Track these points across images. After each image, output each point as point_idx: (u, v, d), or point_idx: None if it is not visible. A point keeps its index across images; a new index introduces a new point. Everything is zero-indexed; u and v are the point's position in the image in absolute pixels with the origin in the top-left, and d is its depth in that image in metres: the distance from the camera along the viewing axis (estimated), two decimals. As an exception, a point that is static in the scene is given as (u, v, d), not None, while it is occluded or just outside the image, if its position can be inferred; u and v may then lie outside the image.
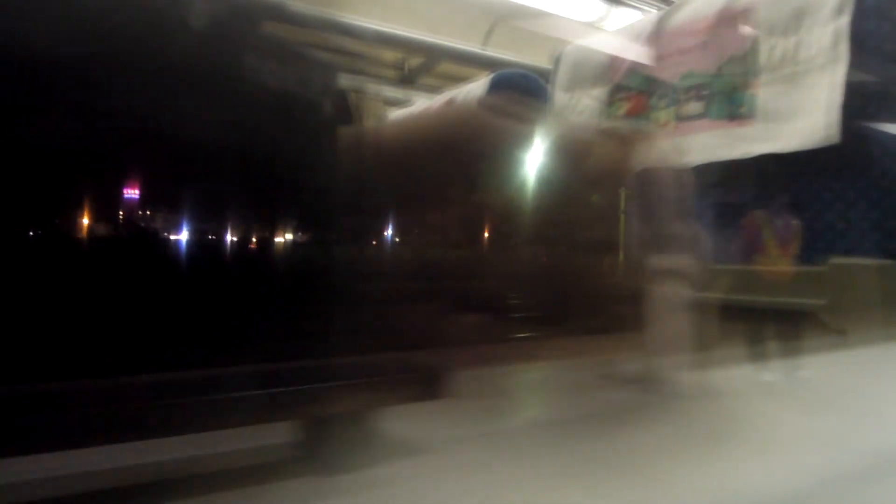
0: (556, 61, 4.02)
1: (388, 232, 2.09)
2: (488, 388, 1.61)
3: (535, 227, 1.81)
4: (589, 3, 5.87)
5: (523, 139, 1.64)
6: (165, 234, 1.72)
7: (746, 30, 2.83)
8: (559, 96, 3.92)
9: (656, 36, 3.23)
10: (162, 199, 1.64)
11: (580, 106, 3.73)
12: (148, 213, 1.69)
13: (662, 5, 4.96)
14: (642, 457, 1.24)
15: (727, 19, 2.92)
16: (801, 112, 2.77)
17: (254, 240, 1.84)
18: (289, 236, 1.92)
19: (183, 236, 1.74)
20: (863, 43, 2.73)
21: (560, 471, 1.15)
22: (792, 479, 1.16)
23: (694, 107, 3.04)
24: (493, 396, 1.58)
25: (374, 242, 2.04)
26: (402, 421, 1.44)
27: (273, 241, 1.85)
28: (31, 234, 1.44)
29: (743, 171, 2.89)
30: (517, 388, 1.56)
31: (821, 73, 2.69)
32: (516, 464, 1.19)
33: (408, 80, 6.27)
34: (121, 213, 1.64)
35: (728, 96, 2.92)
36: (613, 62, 3.51)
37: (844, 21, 2.62)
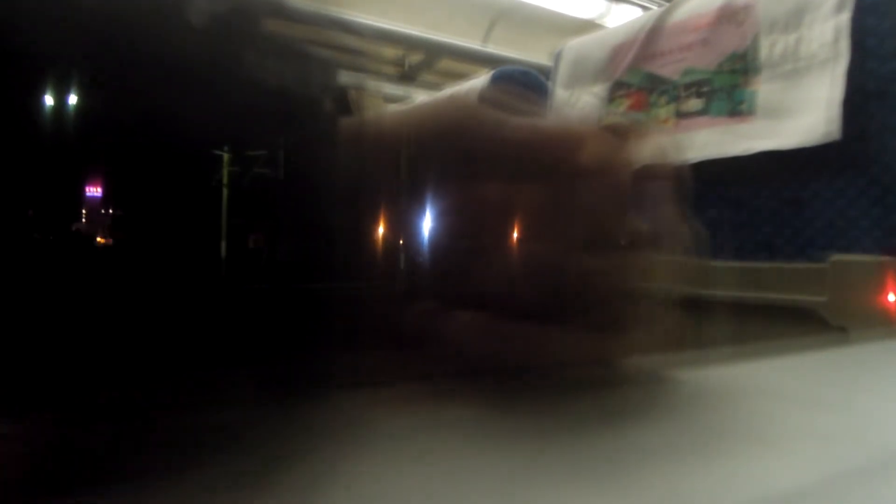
0: (557, 58, 4.01)
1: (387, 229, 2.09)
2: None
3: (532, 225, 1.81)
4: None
5: (523, 136, 1.64)
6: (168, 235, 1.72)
7: (747, 26, 2.83)
8: (559, 93, 3.90)
9: (656, 32, 3.22)
10: (159, 198, 1.64)
11: (580, 103, 3.72)
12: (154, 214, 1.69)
13: (663, 1, 4.95)
14: (642, 457, 1.24)
15: (727, 15, 2.91)
16: (802, 109, 2.76)
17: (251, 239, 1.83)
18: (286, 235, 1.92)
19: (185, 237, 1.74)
20: (864, 39, 2.72)
21: (560, 470, 1.15)
22: (794, 476, 1.17)
23: (694, 103, 3.03)
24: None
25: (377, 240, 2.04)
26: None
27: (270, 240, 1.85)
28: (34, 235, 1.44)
29: (743, 167, 2.89)
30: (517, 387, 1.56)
31: (821, 70, 2.68)
32: (516, 463, 1.20)
33: (408, 76, 6.27)
34: (116, 213, 1.64)
35: (728, 93, 2.91)
36: (613, 59, 3.50)
37: (845, 17, 2.61)
